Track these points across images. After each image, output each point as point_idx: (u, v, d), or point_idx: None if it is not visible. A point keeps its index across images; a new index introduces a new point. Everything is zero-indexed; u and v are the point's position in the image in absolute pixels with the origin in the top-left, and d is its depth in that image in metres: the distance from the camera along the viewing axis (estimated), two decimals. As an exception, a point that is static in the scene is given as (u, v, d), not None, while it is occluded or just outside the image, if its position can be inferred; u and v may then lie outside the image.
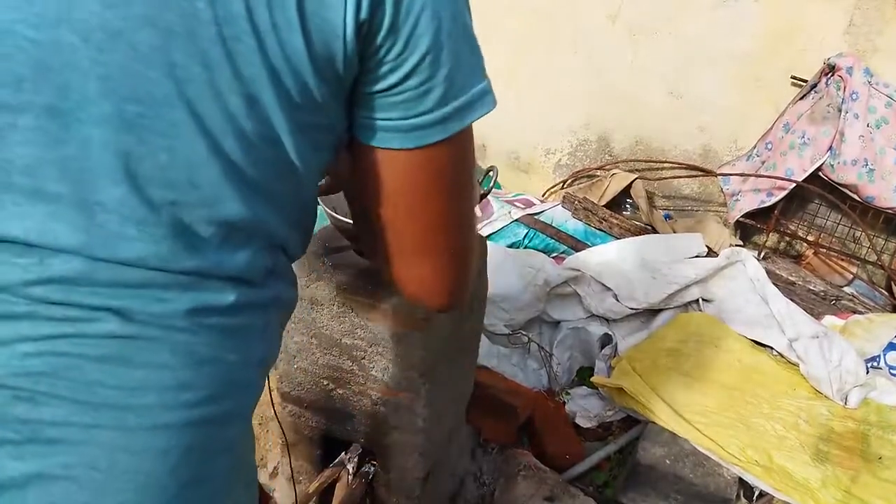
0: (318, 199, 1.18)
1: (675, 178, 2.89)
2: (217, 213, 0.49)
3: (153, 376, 0.49)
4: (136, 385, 0.48)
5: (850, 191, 2.47)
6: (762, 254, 2.56)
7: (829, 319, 2.22)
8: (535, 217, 2.56)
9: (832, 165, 2.44)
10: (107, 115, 0.44)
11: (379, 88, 0.50)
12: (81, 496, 0.47)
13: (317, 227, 1.22)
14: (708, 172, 2.82)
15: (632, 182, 2.78)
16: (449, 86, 0.50)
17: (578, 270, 2.19)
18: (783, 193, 2.53)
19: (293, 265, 0.62)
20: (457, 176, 0.56)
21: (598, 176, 2.95)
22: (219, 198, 0.49)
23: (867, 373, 1.96)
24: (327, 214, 1.17)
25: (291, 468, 1.46)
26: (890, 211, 2.43)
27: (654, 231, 2.63)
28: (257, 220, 0.52)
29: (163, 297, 0.49)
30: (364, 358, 1.20)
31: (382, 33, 0.47)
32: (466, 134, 0.54)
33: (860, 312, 2.27)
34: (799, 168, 2.49)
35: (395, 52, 0.48)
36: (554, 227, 2.55)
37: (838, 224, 2.59)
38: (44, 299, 0.46)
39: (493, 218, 2.54)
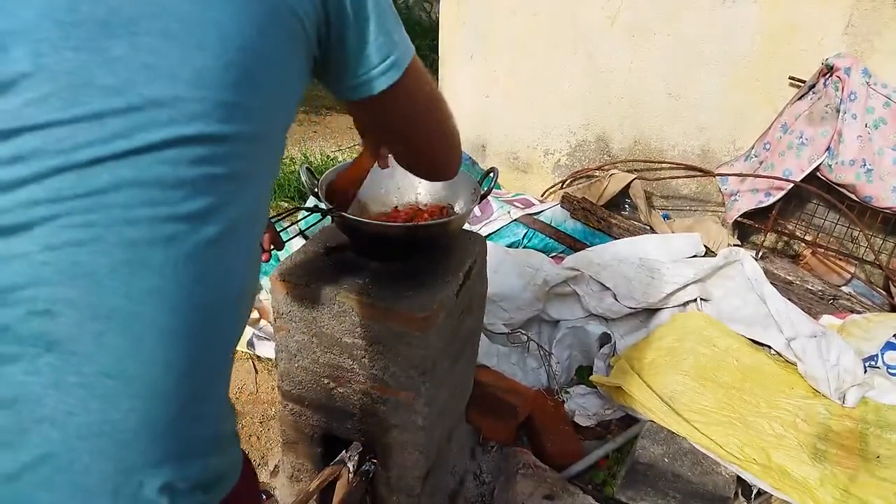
0: (321, 196, 1.19)
1: (673, 178, 2.90)
2: (222, 119, 0.53)
3: (157, 285, 0.51)
4: (143, 293, 0.51)
5: (848, 191, 2.47)
6: (760, 253, 2.57)
7: (826, 319, 2.23)
8: (535, 217, 2.57)
9: (830, 166, 2.45)
10: (155, 29, 0.50)
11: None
12: (95, 403, 0.50)
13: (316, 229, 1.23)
14: (706, 172, 2.83)
15: (630, 182, 2.79)
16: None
17: (577, 270, 2.20)
18: (781, 193, 2.54)
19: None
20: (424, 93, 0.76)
21: (597, 176, 2.95)
22: (231, 103, 0.54)
23: (865, 372, 1.97)
24: (330, 211, 1.17)
25: (292, 466, 1.47)
26: (888, 211, 2.44)
27: (653, 231, 2.64)
28: (239, 141, 0.56)
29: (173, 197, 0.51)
30: (364, 357, 1.20)
31: None
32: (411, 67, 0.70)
33: (858, 312, 2.28)
34: (797, 168, 2.50)
35: None
36: (553, 227, 2.55)
37: (836, 224, 2.60)
38: (72, 194, 0.48)
39: (493, 218, 2.54)
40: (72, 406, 0.49)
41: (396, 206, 1.38)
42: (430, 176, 0.94)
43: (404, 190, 1.39)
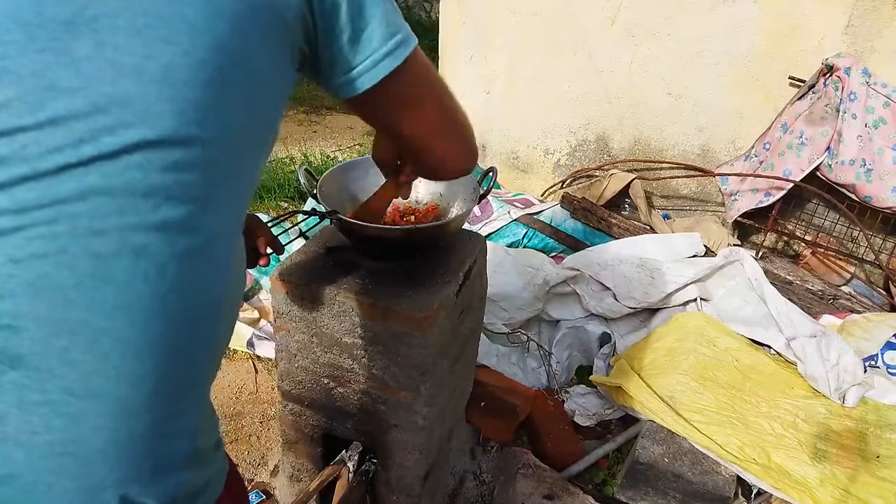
0: (319, 197, 1.19)
1: (673, 178, 2.90)
2: (195, 121, 0.50)
3: (125, 299, 0.49)
4: (109, 307, 0.49)
5: (848, 191, 2.47)
6: (760, 253, 2.57)
7: (826, 319, 2.23)
8: (535, 217, 2.57)
9: (830, 165, 2.45)
10: (120, 26, 0.47)
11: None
12: (58, 422, 0.48)
13: (317, 228, 1.23)
14: (706, 172, 2.83)
15: (630, 182, 2.79)
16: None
17: (577, 270, 2.20)
18: (781, 193, 2.54)
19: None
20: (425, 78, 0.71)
21: (597, 176, 2.95)
22: (204, 103, 0.51)
23: (865, 372, 1.97)
24: (331, 215, 1.17)
25: (292, 466, 1.47)
26: (888, 211, 2.44)
27: (653, 231, 2.64)
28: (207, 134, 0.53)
29: (141, 205, 0.49)
30: (364, 357, 1.20)
31: None
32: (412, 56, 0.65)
33: (858, 312, 2.28)
34: (797, 168, 2.50)
35: None
36: (553, 227, 2.55)
37: (836, 224, 2.60)
38: (38, 204, 0.46)
39: (493, 218, 2.54)
40: (35, 425, 0.48)
41: (397, 206, 1.38)
42: (440, 174, 0.86)
43: None
